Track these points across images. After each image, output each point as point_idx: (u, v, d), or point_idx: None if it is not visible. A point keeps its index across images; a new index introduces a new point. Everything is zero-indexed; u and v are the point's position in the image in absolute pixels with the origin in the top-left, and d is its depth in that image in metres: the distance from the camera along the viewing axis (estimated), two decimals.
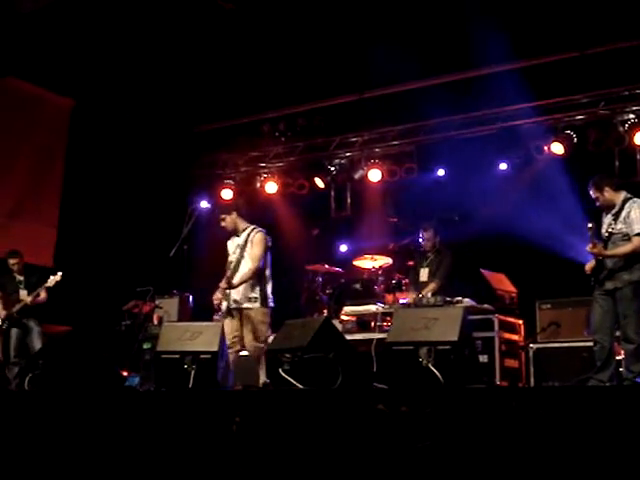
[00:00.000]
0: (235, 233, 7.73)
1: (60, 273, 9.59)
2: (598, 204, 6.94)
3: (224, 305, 7.45)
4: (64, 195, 11.84)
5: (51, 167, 11.86)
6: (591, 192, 6.94)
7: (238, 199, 11.61)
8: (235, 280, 7.44)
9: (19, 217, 11.30)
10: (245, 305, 7.41)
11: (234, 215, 7.72)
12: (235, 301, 7.43)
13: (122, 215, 11.67)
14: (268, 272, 7.63)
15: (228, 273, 7.51)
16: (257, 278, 7.48)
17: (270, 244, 7.68)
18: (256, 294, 7.44)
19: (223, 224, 7.74)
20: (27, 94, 11.48)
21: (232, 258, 7.63)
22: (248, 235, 7.60)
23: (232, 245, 7.74)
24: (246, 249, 7.54)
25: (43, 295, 9.69)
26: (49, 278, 9.61)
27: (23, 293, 9.71)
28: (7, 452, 5.99)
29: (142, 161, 11.90)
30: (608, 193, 6.84)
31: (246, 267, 7.47)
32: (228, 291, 7.44)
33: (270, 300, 7.56)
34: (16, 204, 11.35)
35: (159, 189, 11.95)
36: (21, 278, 9.86)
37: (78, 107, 11.88)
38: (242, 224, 7.73)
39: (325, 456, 4.94)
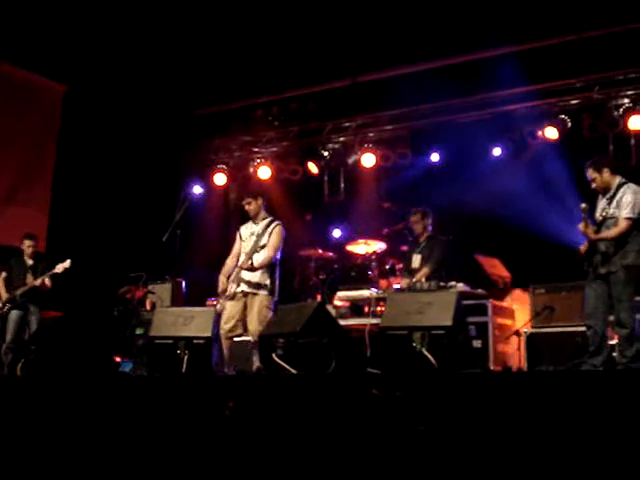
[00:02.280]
0: (253, 220, 7.82)
1: (69, 260, 9.48)
2: (594, 186, 6.89)
3: (232, 288, 7.47)
4: (56, 180, 11.79)
5: (43, 152, 11.80)
6: (588, 173, 6.89)
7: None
8: (255, 265, 7.49)
9: (11, 202, 11.24)
10: (255, 290, 7.45)
11: (260, 201, 7.85)
12: (248, 283, 7.45)
13: (115, 200, 11.63)
14: (278, 264, 7.75)
15: (244, 257, 7.55)
16: (270, 268, 7.59)
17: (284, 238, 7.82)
18: (268, 282, 7.54)
19: (248, 207, 7.84)
20: (19, 79, 11.41)
21: (246, 244, 7.67)
22: (268, 225, 7.72)
23: (246, 231, 7.83)
24: (263, 238, 7.65)
25: (48, 282, 9.60)
26: (57, 265, 9.52)
27: (30, 278, 9.64)
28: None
29: (134, 146, 11.84)
30: (607, 174, 6.80)
31: (263, 254, 7.55)
32: (241, 274, 7.47)
33: (276, 291, 7.65)
34: (8, 189, 11.30)
35: (151, 174, 11.89)
36: (30, 262, 9.80)
37: (71, 92, 11.82)
38: (263, 213, 7.87)
39: (319, 441, 4.93)
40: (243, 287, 7.49)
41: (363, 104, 11.74)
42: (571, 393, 4.56)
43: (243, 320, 7.49)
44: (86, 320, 9.83)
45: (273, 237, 7.65)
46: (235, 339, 7.64)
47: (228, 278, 7.65)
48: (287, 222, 8.21)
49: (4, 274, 9.80)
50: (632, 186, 6.71)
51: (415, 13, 9.83)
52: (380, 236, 10.13)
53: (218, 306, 7.65)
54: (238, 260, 7.72)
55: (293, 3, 10.10)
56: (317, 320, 6.55)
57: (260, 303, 7.44)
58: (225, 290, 7.59)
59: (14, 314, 9.57)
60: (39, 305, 9.70)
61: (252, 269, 7.48)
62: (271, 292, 7.55)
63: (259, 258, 7.54)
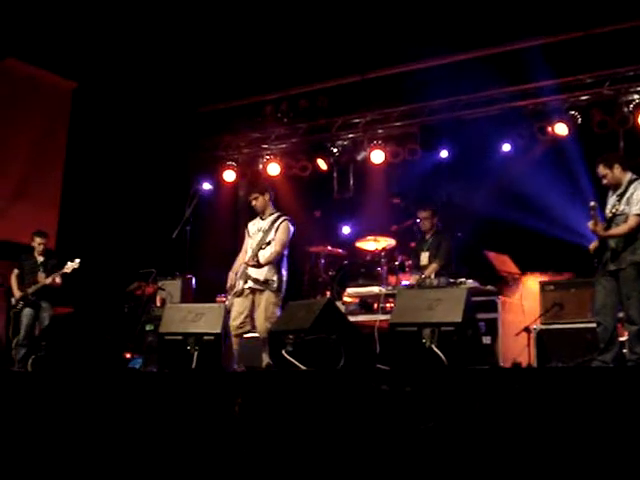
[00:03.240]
0: (260, 215, 7.80)
1: (78, 260, 9.51)
2: (605, 182, 6.86)
3: (240, 285, 7.47)
4: (66, 177, 11.82)
5: (53, 149, 11.83)
6: (599, 169, 6.85)
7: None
8: (261, 261, 7.47)
9: (21, 199, 11.27)
10: (262, 287, 7.44)
11: (267, 197, 7.85)
12: (255, 281, 7.45)
13: (125, 197, 11.65)
14: (286, 260, 7.71)
15: (251, 253, 7.54)
16: (277, 264, 7.57)
17: (292, 233, 7.77)
18: (275, 278, 7.52)
19: (254, 203, 7.84)
20: (29, 76, 11.44)
21: (253, 240, 7.67)
22: (274, 221, 7.71)
23: (253, 227, 7.82)
24: (270, 234, 7.62)
25: (58, 280, 9.63)
26: (67, 264, 9.55)
27: (41, 276, 9.67)
28: (9, 433, 6.00)
29: (144, 143, 11.86)
30: (618, 170, 6.77)
31: (270, 250, 7.52)
32: (248, 271, 7.46)
33: (284, 287, 7.62)
34: (18, 186, 11.33)
35: (161, 171, 11.92)
36: (41, 259, 9.83)
37: (80, 89, 11.85)
38: (270, 208, 7.86)
39: (328, 437, 4.94)
40: (250, 284, 7.49)
41: (372, 100, 11.72)
42: (581, 390, 4.55)
43: (251, 317, 7.50)
44: (96, 316, 9.88)
45: (280, 233, 7.63)
46: (245, 336, 7.66)
47: (237, 274, 7.67)
48: (296, 219, 8.21)
49: (16, 271, 9.83)
50: None
51: (424, 10, 9.82)
52: (389, 232, 10.12)
53: (227, 302, 7.67)
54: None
55: None
56: (326, 316, 6.55)
57: (267, 300, 7.45)
58: (233, 286, 7.61)
59: (26, 311, 9.61)
60: (51, 302, 9.73)
61: (258, 266, 7.47)
62: (278, 289, 7.53)
63: (265, 254, 7.52)
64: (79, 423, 5.89)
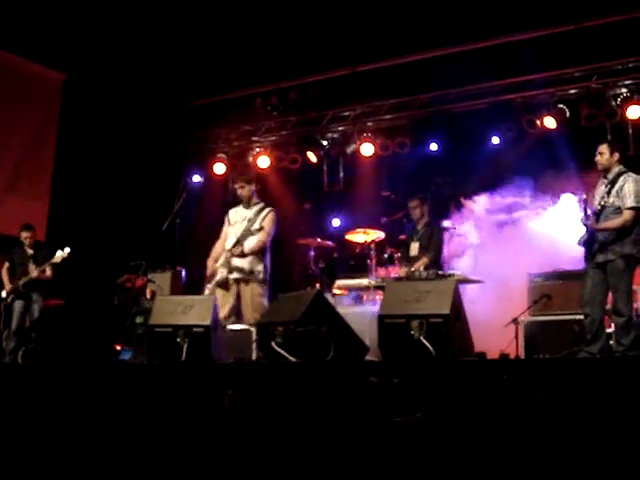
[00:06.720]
0: (244, 204, 7.75)
1: (68, 249, 9.54)
2: (598, 159, 6.80)
3: (223, 274, 7.46)
4: (56, 170, 11.80)
5: (43, 142, 11.81)
6: (603, 147, 6.84)
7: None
8: (245, 251, 7.47)
9: (11, 192, 11.26)
10: (247, 277, 7.43)
11: (253, 187, 7.87)
12: (239, 270, 7.44)
13: (114, 189, 11.64)
14: (269, 251, 7.75)
15: (233, 241, 7.52)
16: (262, 254, 7.55)
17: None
18: (260, 268, 7.53)
19: (240, 191, 7.85)
20: (18, 68, 11.40)
21: (237, 228, 7.65)
22: (260, 210, 7.71)
23: (236, 215, 7.79)
24: (255, 223, 7.59)
25: (48, 272, 9.65)
26: (56, 254, 9.57)
27: (32, 267, 9.68)
28: None
29: (134, 136, 11.85)
30: (616, 157, 6.82)
31: (255, 239, 7.49)
32: (232, 261, 7.46)
33: (268, 277, 7.63)
34: (8, 179, 11.32)
35: (151, 163, 11.91)
36: (31, 252, 9.84)
37: (70, 81, 11.82)
38: (255, 198, 7.89)
39: (317, 428, 4.97)
40: (235, 274, 7.47)
41: (362, 93, 11.74)
42: (568, 381, 4.59)
43: (237, 308, 7.49)
44: (86, 308, 9.88)
45: (266, 222, 7.62)
46: (234, 327, 7.67)
47: (217, 262, 7.66)
48: (286, 211, 8.25)
49: (7, 265, 9.86)
50: (632, 175, 6.73)
51: (414, 3, 9.84)
52: (379, 225, 10.15)
53: (206, 291, 7.64)
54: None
55: None
56: (316, 308, 6.56)
57: (253, 291, 7.45)
58: (213, 274, 7.58)
59: (17, 304, 9.63)
60: (42, 293, 9.75)
61: (243, 255, 7.45)
62: (263, 279, 7.52)
63: (250, 243, 7.51)
64: (69, 415, 5.90)
